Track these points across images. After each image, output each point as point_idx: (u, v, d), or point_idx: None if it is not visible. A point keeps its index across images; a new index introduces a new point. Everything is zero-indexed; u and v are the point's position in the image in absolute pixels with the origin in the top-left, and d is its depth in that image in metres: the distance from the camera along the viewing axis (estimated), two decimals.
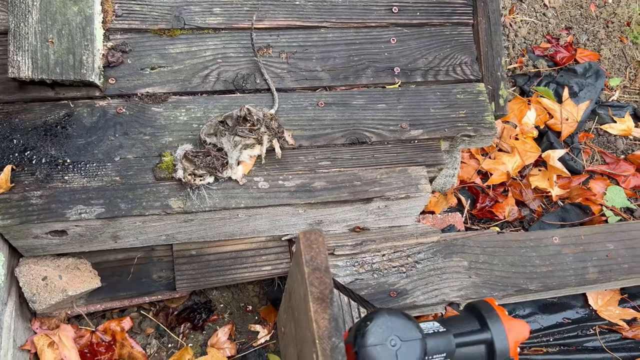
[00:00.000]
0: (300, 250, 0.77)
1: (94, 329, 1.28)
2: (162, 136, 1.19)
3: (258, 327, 1.41)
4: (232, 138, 1.15)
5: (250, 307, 1.42)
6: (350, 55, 1.34)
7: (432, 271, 1.27)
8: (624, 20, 1.98)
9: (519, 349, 1.28)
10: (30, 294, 1.14)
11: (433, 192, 1.53)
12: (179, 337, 1.35)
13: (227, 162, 1.14)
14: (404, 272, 1.27)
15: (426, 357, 0.86)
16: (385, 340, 0.75)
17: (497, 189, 1.61)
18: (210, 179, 1.14)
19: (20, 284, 1.14)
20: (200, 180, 1.12)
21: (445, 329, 0.88)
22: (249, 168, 1.18)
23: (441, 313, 1.36)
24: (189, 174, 1.12)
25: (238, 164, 1.16)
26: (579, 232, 1.41)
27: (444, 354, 0.86)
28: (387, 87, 1.33)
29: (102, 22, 1.22)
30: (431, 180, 1.34)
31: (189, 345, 1.35)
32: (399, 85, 1.33)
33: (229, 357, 1.35)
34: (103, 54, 1.21)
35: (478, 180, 1.60)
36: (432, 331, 0.86)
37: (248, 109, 1.16)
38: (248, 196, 1.15)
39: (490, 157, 1.65)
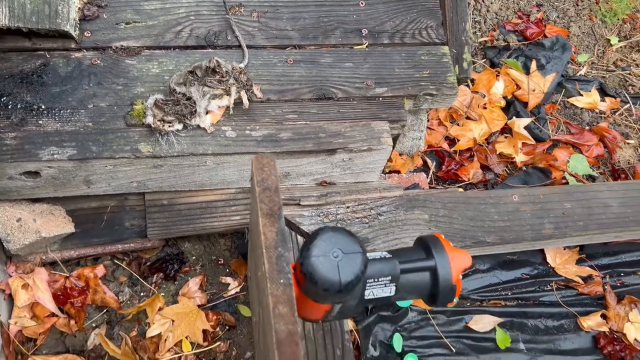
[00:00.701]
0: (253, 172, 0.83)
1: (67, 275, 1.33)
2: (135, 87, 1.24)
3: (229, 280, 1.46)
4: (201, 88, 1.20)
5: (222, 260, 1.47)
6: (320, 17, 1.39)
7: (393, 222, 1.33)
8: None
9: (467, 285, 1.33)
10: (4, 234, 1.19)
11: (401, 154, 1.58)
12: (151, 286, 1.40)
13: (195, 111, 1.19)
14: (367, 223, 1.32)
15: (372, 280, 0.91)
16: (328, 252, 0.80)
17: (463, 154, 1.66)
18: (179, 126, 1.19)
19: None
20: (169, 126, 1.17)
21: (391, 256, 0.93)
22: (217, 118, 1.23)
23: None
24: (159, 120, 1.17)
25: (206, 113, 1.21)
26: (537, 191, 1.47)
27: (389, 277, 0.91)
28: (355, 47, 1.39)
29: None
30: (395, 137, 1.39)
31: (161, 294, 1.40)
32: (367, 46, 1.39)
33: (199, 306, 1.40)
34: (79, 8, 1.26)
35: (445, 146, 1.66)
36: (378, 257, 0.92)
37: (217, 61, 1.21)
38: (215, 143, 1.20)
39: (458, 124, 1.71)
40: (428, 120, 1.70)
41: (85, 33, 1.26)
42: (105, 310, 1.36)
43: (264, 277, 0.77)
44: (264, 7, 1.37)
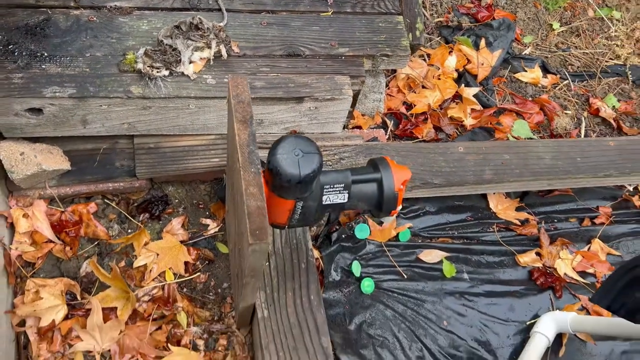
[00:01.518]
0: (229, 89, 1.01)
1: (63, 210, 1.49)
2: (127, 40, 1.42)
3: (208, 221, 1.63)
4: (185, 41, 1.39)
5: (202, 204, 1.65)
6: None
7: (353, 165, 1.52)
8: None
9: (418, 224, 1.50)
10: (9, 165, 1.34)
11: (363, 115, 1.78)
12: (138, 224, 1.56)
13: (180, 60, 1.37)
14: (330, 166, 1.51)
15: (329, 186, 1.10)
16: (290, 151, 0.99)
17: (419, 117, 1.87)
18: (166, 72, 1.37)
19: (1, 157, 1.34)
20: (157, 72, 1.35)
21: (346, 169, 1.12)
22: (199, 68, 1.41)
23: None
24: (148, 66, 1.35)
25: (190, 62, 1.39)
26: (481, 144, 1.68)
27: (343, 185, 1.11)
28: (321, 14, 1.59)
29: None
30: (356, 93, 1.58)
31: (147, 232, 1.56)
32: (332, 14, 1.59)
33: (181, 242, 1.57)
34: None
35: (403, 110, 1.87)
36: (335, 169, 1.11)
37: (200, 18, 1.40)
38: (197, 88, 1.38)
39: (415, 92, 1.91)
40: (388, 87, 1.90)
41: None
42: (96, 243, 1.52)
43: (239, 170, 0.95)
44: None
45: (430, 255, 1.58)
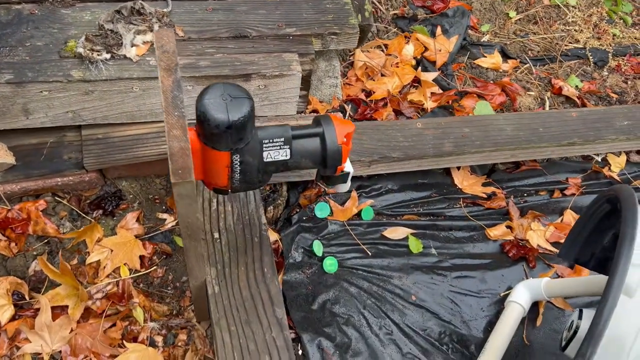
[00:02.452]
0: (154, 43, 0.99)
1: (9, 207, 1.44)
2: (69, 30, 1.41)
3: (165, 215, 1.58)
4: (127, 25, 1.38)
5: (158, 199, 1.60)
6: None
7: None
8: None
9: (380, 203, 1.44)
10: None
11: (321, 102, 1.76)
12: (91, 221, 1.51)
13: (121, 43, 1.36)
14: None
15: (268, 141, 1.06)
16: (218, 96, 0.95)
17: (378, 103, 1.85)
18: (107, 55, 1.35)
19: None
20: (98, 55, 1.33)
21: (283, 124, 1.09)
22: (142, 51, 1.40)
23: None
24: (88, 50, 1.33)
25: (132, 46, 1.38)
26: (440, 120, 1.66)
27: (282, 139, 1.07)
28: None
29: None
30: (307, 75, 1.56)
31: (102, 229, 1.51)
32: None
33: (136, 236, 1.51)
34: None
35: (362, 96, 1.85)
36: (272, 124, 1.07)
37: (141, 3, 1.40)
38: (140, 70, 1.36)
39: (373, 80, 1.91)
40: (346, 77, 1.90)
41: None
42: (46, 241, 1.46)
43: (163, 114, 0.91)
44: None
45: (396, 233, 1.53)
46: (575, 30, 2.34)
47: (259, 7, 1.56)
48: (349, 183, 1.28)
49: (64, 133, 1.46)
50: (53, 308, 1.38)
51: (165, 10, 1.45)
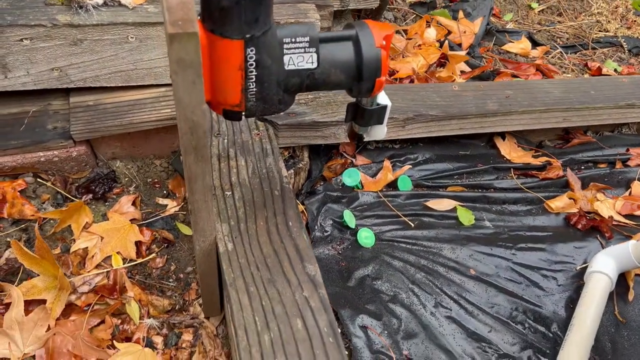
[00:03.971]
0: None
1: None
2: None
3: (166, 201, 1.34)
4: None
5: (158, 182, 1.37)
6: None
7: (332, 102, 1.28)
8: None
9: (418, 173, 1.22)
10: None
11: None
12: (79, 201, 1.27)
13: None
14: (304, 104, 1.27)
15: (289, 39, 0.86)
16: None
17: (403, 81, 1.67)
18: (99, 1, 1.18)
19: None
20: None
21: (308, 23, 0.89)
22: (140, 1, 1.23)
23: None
24: None
25: None
26: (478, 83, 1.46)
27: (307, 39, 0.86)
28: None
29: None
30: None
31: (91, 213, 1.27)
32: None
33: (132, 221, 1.27)
34: None
35: (387, 76, 1.67)
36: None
37: None
38: (136, 15, 1.18)
39: (394, 59, 1.73)
40: None
41: None
42: (23, 226, 1.22)
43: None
44: None
45: (441, 204, 1.28)
46: (603, 20, 2.20)
47: None
48: (385, 127, 1.06)
49: (48, 101, 1.26)
50: (28, 303, 1.11)
51: None
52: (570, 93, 1.47)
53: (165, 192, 1.36)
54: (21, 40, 1.13)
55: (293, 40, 0.86)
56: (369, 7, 1.46)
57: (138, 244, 1.24)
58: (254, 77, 0.84)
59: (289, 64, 0.87)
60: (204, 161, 0.79)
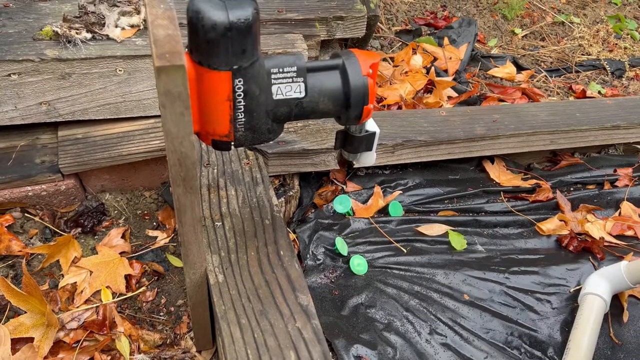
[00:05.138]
0: None
1: None
2: (46, 19, 1.26)
3: (156, 232, 1.33)
4: (111, 7, 1.23)
5: (148, 214, 1.36)
6: None
7: (320, 129, 1.29)
8: (491, 1, 2.27)
9: (409, 199, 1.22)
10: None
11: None
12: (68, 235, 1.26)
13: (104, 23, 1.20)
14: (294, 132, 1.28)
15: (277, 70, 0.87)
16: None
17: (391, 108, 1.68)
18: (88, 35, 1.19)
19: None
20: (77, 33, 1.17)
21: (295, 53, 0.90)
22: (128, 35, 1.24)
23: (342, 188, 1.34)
24: (66, 28, 1.17)
25: (116, 27, 1.22)
26: (465, 108, 1.48)
27: (294, 69, 0.87)
28: None
29: None
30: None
31: (80, 247, 1.25)
32: None
33: (121, 254, 1.25)
34: None
35: (374, 103, 1.68)
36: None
37: None
38: (125, 48, 1.19)
39: (380, 86, 1.75)
40: None
41: None
42: (10, 262, 1.20)
43: (147, 8, 0.72)
44: None
45: (432, 229, 1.28)
46: (585, 44, 2.25)
47: None
48: (374, 154, 1.06)
49: (37, 135, 1.25)
50: (15, 341, 1.08)
51: None
52: (556, 116, 1.48)
53: (155, 223, 1.35)
54: (9, 75, 1.13)
55: (281, 70, 0.86)
56: (356, 37, 1.48)
57: (128, 277, 1.22)
58: (242, 107, 0.85)
59: (277, 94, 0.88)
60: (193, 193, 0.78)
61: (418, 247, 1.22)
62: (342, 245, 1.18)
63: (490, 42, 2.12)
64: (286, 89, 0.88)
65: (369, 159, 1.07)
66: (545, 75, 2.02)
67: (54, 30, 1.16)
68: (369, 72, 0.91)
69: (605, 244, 1.33)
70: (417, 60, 1.87)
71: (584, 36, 2.28)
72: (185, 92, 0.66)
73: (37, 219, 1.27)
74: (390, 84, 1.78)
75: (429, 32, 2.04)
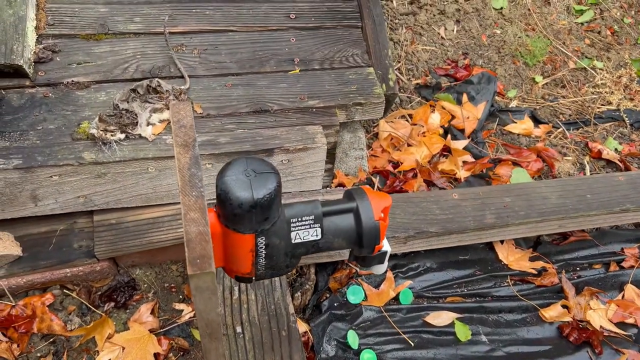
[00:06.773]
0: (171, 117, 0.90)
1: (14, 304, 1.31)
2: (83, 111, 1.34)
3: (182, 305, 1.44)
4: (143, 104, 1.31)
5: (174, 287, 1.46)
6: (255, 51, 1.55)
7: None
8: (514, 47, 2.28)
9: (420, 284, 1.30)
10: None
11: (346, 175, 1.66)
12: (102, 314, 1.37)
13: (137, 122, 1.29)
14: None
15: (296, 219, 0.94)
16: (241, 173, 0.84)
17: (407, 174, 1.74)
18: (122, 135, 1.27)
19: None
20: (112, 135, 1.26)
21: (312, 199, 0.97)
22: (159, 130, 1.32)
23: None
24: (102, 130, 1.26)
25: (148, 124, 1.30)
26: (477, 189, 1.53)
27: (312, 217, 0.95)
28: (289, 72, 1.53)
29: (36, 28, 1.43)
30: (332, 146, 1.47)
31: (112, 322, 1.37)
32: (299, 71, 1.54)
33: (151, 331, 1.36)
34: (35, 52, 1.41)
35: (390, 168, 1.75)
36: (300, 201, 0.96)
37: (158, 81, 1.34)
38: (156, 149, 1.28)
39: (400, 150, 1.81)
40: (371, 149, 1.80)
41: (39, 73, 1.39)
42: (51, 340, 1.32)
43: (180, 195, 0.81)
44: (204, 46, 1.53)
45: (440, 318, 1.36)
46: (606, 92, 2.25)
47: (279, 80, 1.50)
48: (386, 264, 1.14)
49: (74, 220, 1.36)
50: None
51: (182, 87, 1.39)
52: (566, 198, 1.53)
53: (181, 296, 1.46)
54: (51, 177, 1.22)
55: (300, 219, 0.94)
56: (374, 118, 1.54)
57: (156, 355, 1.33)
58: (263, 255, 0.93)
59: (295, 239, 0.96)
60: (217, 340, 0.88)
61: (425, 339, 1.31)
62: (353, 339, 1.27)
63: (509, 92, 2.14)
64: (304, 234, 0.96)
65: (380, 269, 1.15)
66: (563, 131, 2.04)
67: (90, 133, 1.25)
68: (381, 216, 0.99)
69: (605, 334, 1.39)
70: (435, 119, 1.91)
71: (606, 83, 2.28)
72: (213, 286, 0.75)
73: (74, 294, 1.39)
74: (408, 146, 1.83)
75: (448, 83, 2.07)
